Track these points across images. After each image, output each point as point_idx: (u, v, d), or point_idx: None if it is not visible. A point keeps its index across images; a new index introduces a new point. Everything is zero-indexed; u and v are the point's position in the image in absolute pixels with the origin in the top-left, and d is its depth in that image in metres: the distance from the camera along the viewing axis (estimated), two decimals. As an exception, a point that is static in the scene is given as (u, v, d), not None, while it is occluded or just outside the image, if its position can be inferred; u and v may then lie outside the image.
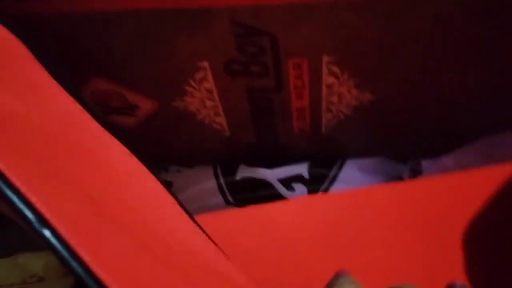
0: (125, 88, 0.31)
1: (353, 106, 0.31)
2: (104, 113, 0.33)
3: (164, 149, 0.38)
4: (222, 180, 0.38)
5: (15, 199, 0.14)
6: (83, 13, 0.25)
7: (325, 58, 0.27)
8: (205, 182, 0.38)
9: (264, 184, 0.38)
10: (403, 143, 0.34)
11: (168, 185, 0.39)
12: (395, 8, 0.24)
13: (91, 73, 0.29)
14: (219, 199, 0.38)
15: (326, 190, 0.37)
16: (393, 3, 0.23)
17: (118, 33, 0.26)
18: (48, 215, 0.14)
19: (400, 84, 0.29)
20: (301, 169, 0.38)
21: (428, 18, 0.24)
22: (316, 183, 0.37)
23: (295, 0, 0.23)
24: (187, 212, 0.23)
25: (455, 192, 0.27)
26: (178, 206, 0.23)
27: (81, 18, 0.25)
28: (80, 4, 0.25)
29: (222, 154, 0.38)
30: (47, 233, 0.14)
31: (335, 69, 0.28)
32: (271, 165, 0.38)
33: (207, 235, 0.23)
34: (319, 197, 0.34)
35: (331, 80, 0.28)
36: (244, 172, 0.38)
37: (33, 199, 0.14)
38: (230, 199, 0.38)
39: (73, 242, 0.14)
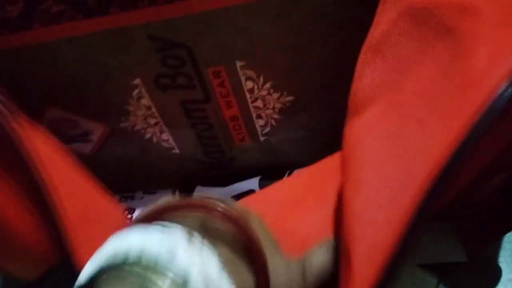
0: (77, 115, 0.35)
1: (279, 109, 0.34)
2: (64, 142, 0.37)
3: (126, 175, 0.41)
4: (180, 200, 0.40)
5: None
6: (21, 46, 0.30)
7: (239, 63, 0.31)
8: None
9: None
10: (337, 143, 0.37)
11: (131, 212, 0.42)
12: (284, 9, 0.28)
13: (44, 102, 0.34)
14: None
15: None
16: (282, 4, 0.28)
17: (58, 61, 0.30)
18: None
19: (313, 83, 0.32)
20: (253, 183, 0.40)
21: (318, 17, 0.28)
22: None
23: (196, 10, 0.28)
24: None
25: None
26: None
27: (21, 51, 0.29)
28: (26, 38, 0.30)
29: (180, 175, 0.41)
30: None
31: (251, 73, 0.31)
32: (226, 183, 0.41)
33: None
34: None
35: (250, 84, 0.32)
36: (200, 193, 0.41)
37: None
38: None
39: None
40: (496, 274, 0.31)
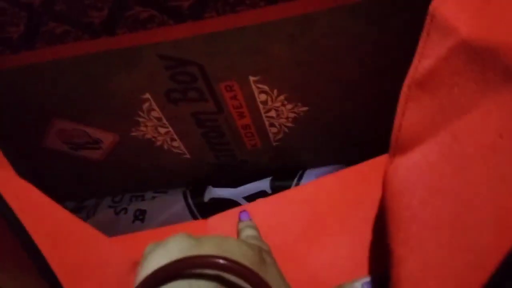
0: (85, 125, 0.34)
1: (292, 118, 0.33)
2: (73, 149, 0.37)
3: (136, 176, 0.41)
4: (191, 203, 0.41)
5: None
6: (33, 64, 0.29)
7: (252, 78, 0.30)
8: (175, 206, 0.41)
9: (231, 203, 0.40)
10: (351, 148, 0.36)
11: (142, 213, 0.42)
12: (297, 28, 0.26)
13: (51, 116, 0.33)
14: (189, 220, 0.40)
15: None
16: (295, 24, 0.26)
17: (67, 77, 0.29)
18: None
19: (325, 94, 0.31)
20: (264, 184, 0.40)
21: (332, 35, 0.27)
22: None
23: (207, 31, 0.26)
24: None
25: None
26: None
27: (26, 69, 0.28)
28: (30, 57, 0.28)
29: (190, 176, 0.41)
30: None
31: (264, 87, 0.30)
32: (236, 184, 0.40)
33: None
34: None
35: (263, 97, 0.31)
36: (211, 194, 0.41)
37: None
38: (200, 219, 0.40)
39: None
40: None
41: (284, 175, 0.40)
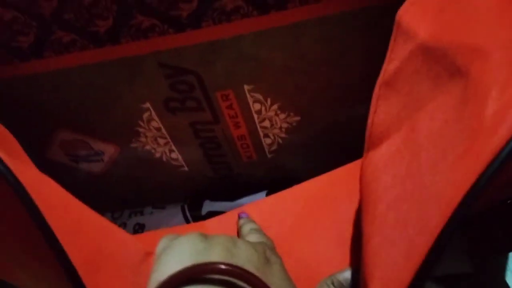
0: (87, 137, 0.35)
1: (286, 128, 0.35)
2: (74, 162, 0.38)
3: (135, 191, 0.42)
4: (189, 216, 0.41)
5: None
6: (38, 73, 0.30)
7: (246, 87, 0.31)
8: (174, 220, 0.41)
9: (228, 215, 0.40)
10: (344, 157, 0.37)
11: (141, 227, 0.43)
12: (289, 37, 0.28)
13: (54, 126, 0.34)
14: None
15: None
16: (287, 32, 0.28)
17: (72, 87, 0.31)
18: None
19: (317, 102, 0.33)
20: (260, 197, 0.41)
21: (325, 42, 0.29)
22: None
23: (205, 40, 0.28)
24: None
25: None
26: None
27: (31, 78, 0.30)
28: (36, 66, 0.30)
29: (188, 190, 0.42)
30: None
31: (258, 96, 0.32)
32: (232, 197, 0.41)
33: None
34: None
35: (257, 106, 0.33)
36: (208, 207, 0.41)
37: None
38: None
39: None
40: (501, 288, 0.32)
41: (279, 188, 0.41)
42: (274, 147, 0.37)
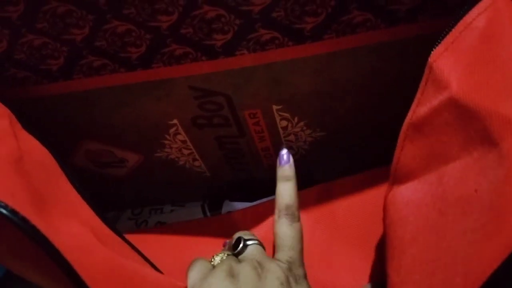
0: (112, 146, 0.36)
1: (310, 142, 0.35)
2: (98, 167, 0.38)
3: (157, 192, 0.42)
4: (209, 216, 0.42)
5: None
6: (64, 93, 0.30)
7: (275, 107, 0.32)
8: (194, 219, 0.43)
9: (247, 216, 0.42)
10: (365, 168, 0.38)
11: (162, 225, 0.44)
12: (322, 64, 0.28)
13: (81, 137, 0.34)
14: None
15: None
16: (320, 60, 0.28)
17: (96, 105, 0.31)
18: None
19: (343, 121, 0.33)
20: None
21: (356, 69, 0.29)
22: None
23: (236, 67, 0.28)
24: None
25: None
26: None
27: (60, 98, 0.30)
28: (66, 87, 0.30)
29: (208, 192, 0.43)
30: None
31: (286, 115, 0.32)
32: (252, 198, 0.42)
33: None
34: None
35: (284, 123, 0.33)
36: (228, 207, 0.42)
37: None
38: (218, 232, 0.42)
39: None
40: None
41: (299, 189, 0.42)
42: (296, 157, 0.37)
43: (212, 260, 0.29)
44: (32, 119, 0.31)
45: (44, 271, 0.22)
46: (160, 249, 0.36)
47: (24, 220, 0.19)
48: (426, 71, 0.23)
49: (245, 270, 0.25)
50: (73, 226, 0.23)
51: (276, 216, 0.31)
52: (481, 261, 0.17)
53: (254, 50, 0.27)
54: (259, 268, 0.26)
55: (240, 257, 0.29)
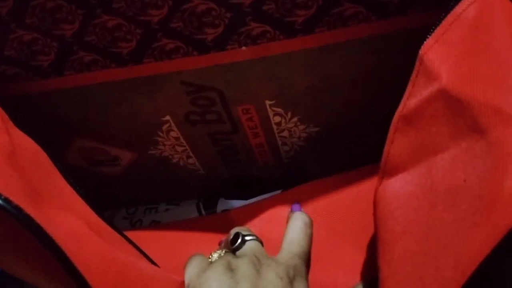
0: (105, 144, 0.35)
1: (304, 138, 0.35)
2: (92, 166, 0.38)
3: (151, 190, 0.42)
4: (204, 214, 0.42)
5: None
6: (55, 89, 0.30)
7: (268, 102, 0.31)
8: (189, 217, 0.42)
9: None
10: (361, 163, 0.38)
11: (157, 224, 0.44)
12: (314, 58, 0.28)
13: (74, 135, 0.34)
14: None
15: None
16: (312, 54, 0.28)
17: (89, 102, 0.31)
18: None
19: (337, 116, 0.33)
20: (274, 196, 0.42)
21: (348, 64, 0.29)
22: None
23: (228, 61, 0.28)
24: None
25: None
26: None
27: (52, 94, 0.30)
28: (57, 83, 0.30)
29: (203, 190, 0.42)
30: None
31: (279, 110, 0.32)
32: (247, 197, 0.42)
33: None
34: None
35: (277, 119, 0.33)
36: (223, 205, 0.42)
37: None
38: (213, 230, 0.42)
39: None
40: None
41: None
42: (291, 154, 0.37)
43: (210, 257, 0.29)
44: (25, 117, 0.31)
45: (37, 264, 0.22)
46: (155, 247, 0.36)
47: (18, 208, 0.19)
48: (417, 63, 0.23)
49: (243, 264, 0.25)
50: (68, 219, 0.23)
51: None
52: (471, 250, 0.17)
53: (245, 44, 0.27)
54: (257, 263, 0.26)
55: (238, 252, 0.28)
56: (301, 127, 0.34)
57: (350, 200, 0.34)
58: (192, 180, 0.41)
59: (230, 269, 0.25)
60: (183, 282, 0.26)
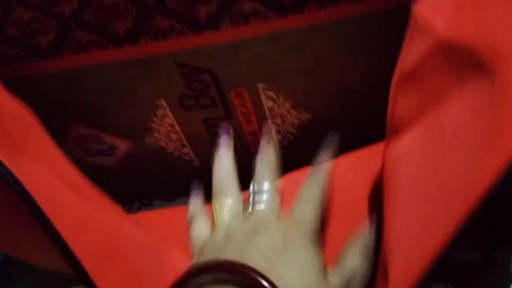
0: (101, 131, 0.36)
1: (297, 125, 0.36)
2: (87, 156, 0.39)
3: (146, 184, 0.42)
4: (199, 208, 0.42)
5: None
6: (57, 71, 0.31)
7: (260, 86, 0.32)
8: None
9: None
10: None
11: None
12: (304, 39, 0.29)
13: (70, 120, 0.35)
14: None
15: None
16: (302, 35, 0.29)
17: (90, 84, 0.32)
18: None
19: (329, 101, 0.33)
20: (269, 190, 0.42)
21: (338, 45, 0.30)
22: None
23: (222, 41, 0.29)
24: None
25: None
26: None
27: (49, 76, 0.31)
28: (56, 64, 0.31)
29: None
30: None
31: (271, 94, 0.33)
32: (242, 190, 0.42)
33: None
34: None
35: (270, 104, 0.33)
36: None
37: None
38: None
39: None
40: (506, 278, 0.33)
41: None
42: (284, 143, 0.37)
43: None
44: (23, 99, 0.32)
45: (22, 228, 0.22)
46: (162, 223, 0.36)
47: None
48: (411, 21, 0.23)
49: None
50: (45, 173, 0.23)
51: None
52: (477, 182, 0.17)
53: (237, 23, 0.28)
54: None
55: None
56: (294, 113, 0.34)
57: (348, 184, 0.33)
58: (187, 174, 0.41)
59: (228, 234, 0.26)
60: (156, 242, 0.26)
